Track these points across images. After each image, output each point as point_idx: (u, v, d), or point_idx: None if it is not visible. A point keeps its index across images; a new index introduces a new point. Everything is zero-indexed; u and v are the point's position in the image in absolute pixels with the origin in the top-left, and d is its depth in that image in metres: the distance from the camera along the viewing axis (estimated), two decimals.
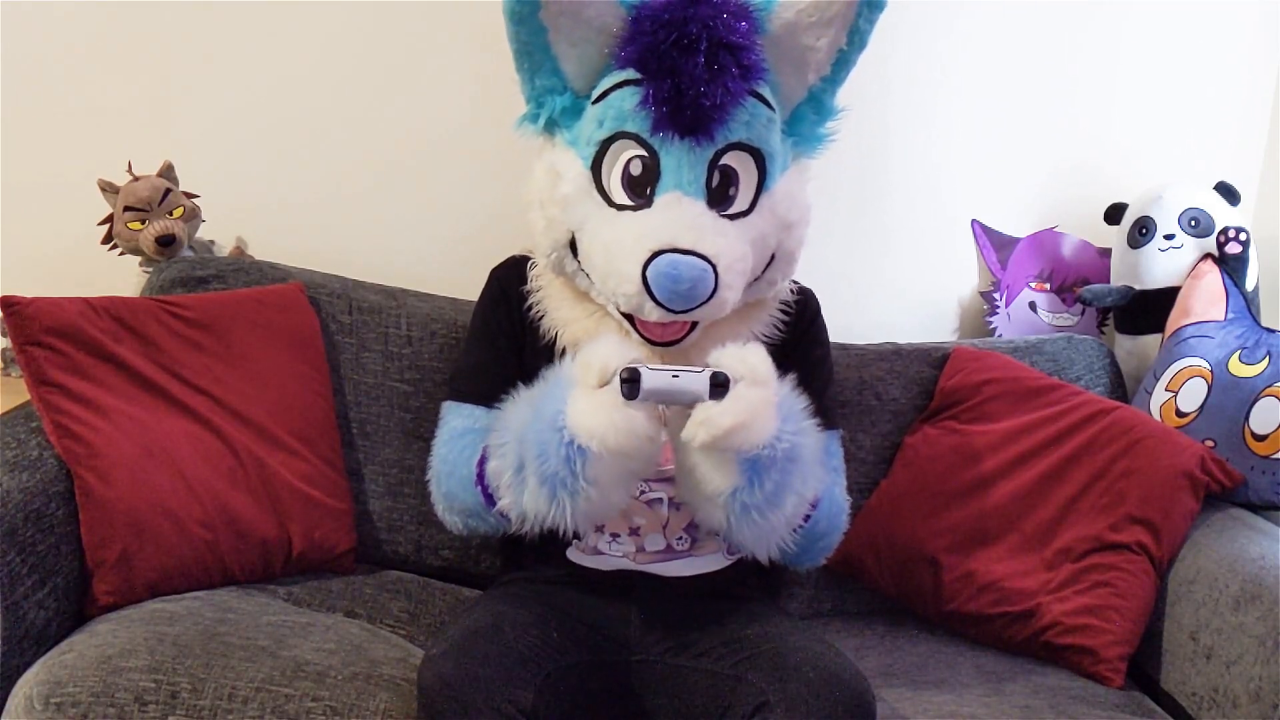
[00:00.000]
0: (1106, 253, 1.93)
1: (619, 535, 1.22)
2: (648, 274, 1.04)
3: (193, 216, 1.66)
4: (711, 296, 1.05)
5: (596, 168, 1.12)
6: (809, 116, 1.17)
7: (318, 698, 1.10)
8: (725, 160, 1.10)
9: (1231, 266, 1.73)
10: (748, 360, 1.00)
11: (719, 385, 0.98)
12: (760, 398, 0.98)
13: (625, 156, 1.10)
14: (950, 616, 1.50)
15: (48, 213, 1.78)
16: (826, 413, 1.23)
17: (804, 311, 1.30)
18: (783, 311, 1.26)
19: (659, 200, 1.09)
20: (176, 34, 1.78)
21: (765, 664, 1.05)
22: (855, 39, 1.11)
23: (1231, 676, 1.27)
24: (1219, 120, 1.95)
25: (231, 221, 1.80)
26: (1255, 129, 1.95)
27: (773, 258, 1.17)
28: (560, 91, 1.14)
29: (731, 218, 1.12)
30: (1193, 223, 1.78)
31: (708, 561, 1.24)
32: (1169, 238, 1.78)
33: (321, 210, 1.85)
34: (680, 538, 1.22)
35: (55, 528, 1.23)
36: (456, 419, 1.26)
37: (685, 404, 0.99)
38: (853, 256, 1.92)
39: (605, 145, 1.11)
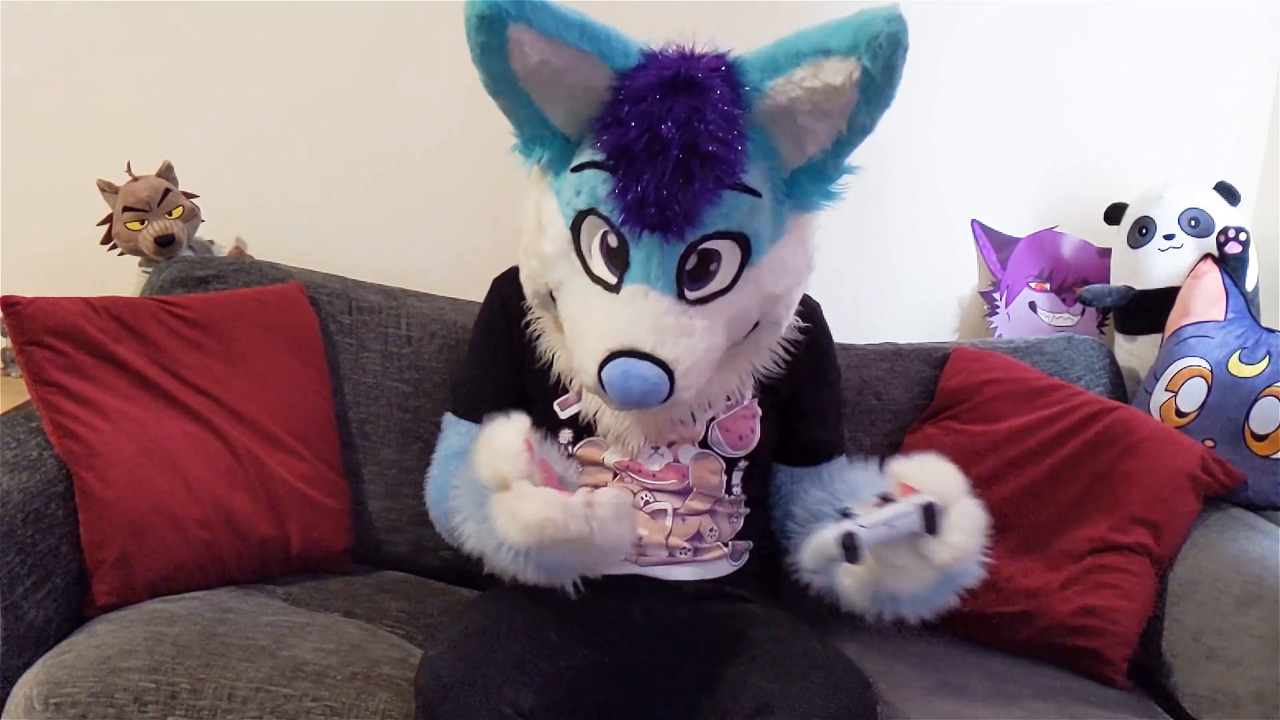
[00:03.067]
0: (1106, 253, 1.93)
1: None
2: (602, 375, 1.01)
3: (192, 216, 1.66)
4: (667, 399, 1.03)
5: (576, 231, 1.08)
6: (810, 183, 1.09)
7: (317, 698, 1.10)
8: (705, 246, 1.05)
9: (1231, 266, 1.72)
10: (944, 478, 1.03)
11: (930, 515, 1.02)
12: (978, 514, 1.02)
13: (601, 231, 1.07)
14: (951, 617, 1.48)
15: (48, 213, 1.78)
16: (842, 435, 1.28)
17: (813, 342, 1.26)
18: (787, 346, 1.23)
19: (626, 290, 1.04)
20: (176, 34, 1.78)
21: (768, 666, 1.05)
22: (856, 128, 1.01)
23: (1234, 677, 1.27)
24: (1219, 120, 1.94)
25: (231, 221, 1.80)
26: (1255, 129, 1.95)
27: (758, 322, 1.13)
28: (549, 139, 1.09)
29: (708, 299, 1.06)
30: (1193, 223, 1.78)
31: (712, 568, 1.23)
32: (1169, 238, 1.78)
33: (321, 210, 1.85)
34: (684, 548, 1.21)
35: (55, 528, 1.23)
36: (453, 436, 1.26)
37: (903, 542, 1.02)
38: (853, 256, 1.92)
39: (581, 216, 1.07)
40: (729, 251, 1.06)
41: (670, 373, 1.01)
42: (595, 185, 1.04)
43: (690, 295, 1.05)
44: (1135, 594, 1.41)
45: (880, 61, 0.92)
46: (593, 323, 1.05)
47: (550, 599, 1.16)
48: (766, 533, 1.30)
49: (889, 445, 1.63)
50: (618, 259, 1.05)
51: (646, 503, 1.20)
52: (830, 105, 0.98)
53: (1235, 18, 1.90)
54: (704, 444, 1.22)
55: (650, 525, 1.19)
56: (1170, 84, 1.93)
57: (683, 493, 1.21)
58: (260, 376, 1.45)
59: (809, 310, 1.27)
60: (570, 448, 1.22)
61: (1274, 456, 1.51)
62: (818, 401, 1.29)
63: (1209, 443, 1.56)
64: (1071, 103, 1.93)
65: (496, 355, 1.27)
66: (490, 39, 0.96)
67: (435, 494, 1.23)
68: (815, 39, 0.96)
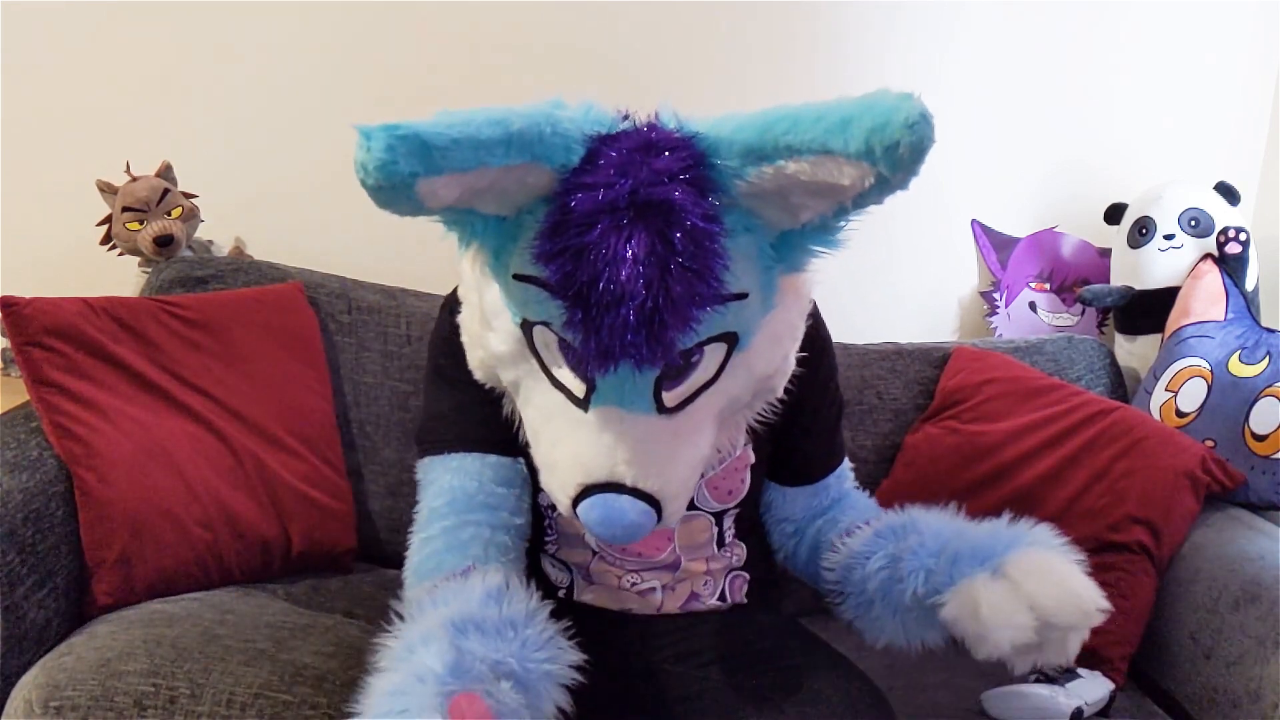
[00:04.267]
0: (1106, 253, 1.93)
1: (609, 608, 1.13)
2: (578, 512, 0.87)
3: (191, 216, 1.66)
4: (656, 525, 0.89)
5: (529, 330, 0.90)
6: (806, 243, 0.91)
7: (316, 704, 1.10)
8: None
9: (1231, 266, 1.73)
10: (1085, 611, 0.95)
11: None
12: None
13: (558, 338, 0.88)
14: None
15: (47, 213, 1.78)
16: (841, 442, 1.20)
17: (810, 364, 1.08)
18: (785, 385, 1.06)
19: (594, 412, 0.87)
20: (175, 34, 1.78)
21: (782, 682, 1.02)
22: (863, 205, 0.84)
23: (1231, 677, 1.27)
24: (1219, 120, 1.95)
25: (230, 221, 1.80)
26: (1255, 129, 1.95)
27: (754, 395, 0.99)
28: (479, 226, 0.88)
29: (690, 399, 0.90)
30: (1193, 223, 1.78)
31: (711, 607, 1.16)
32: (1169, 238, 1.78)
33: (321, 210, 1.84)
34: (677, 611, 1.14)
35: (55, 528, 1.22)
36: (442, 475, 1.06)
37: None
38: (853, 256, 1.88)
39: (531, 324, 0.89)
40: (714, 349, 0.89)
41: (657, 504, 0.87)
42: (546, 303, 0.85)
43: (669, 400, 0.88)
44: (1134, 593, 1.41)
45: (901, 170, 0.77)
46: (561, 448, 0.89)
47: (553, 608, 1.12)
48: (764, 555, 1.22)
49: (889, 445, 1.63)
50: (586, 371, 0.87)
51: (634, 584, 1.11)
52: (832, 194, 0.82)
53: (1235, 18, 1.90)
54: (690, 505, 1.08)
55: (639, 602, 1.12)
56: (1170, 84, 1.93)
57: (672, 566, 1.11)
58: (260, 376, 1.45)
59: (807, 330, 1.06)
60: (551, 512, 1.10)
61: (1274, 456, 1.51)
62: (815, 419, 1.15)
63: (1209, 443, 1.56)
64: (1072, 103, 1.93)
65: (455, 384, 1.06)
66: (395, 199, 0.79)
67: (416, 562, 1.03)
68: (813, 134, 0.77)
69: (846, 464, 1.22)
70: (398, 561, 1.52)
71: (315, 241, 1.82)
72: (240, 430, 1.39)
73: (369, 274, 1.68)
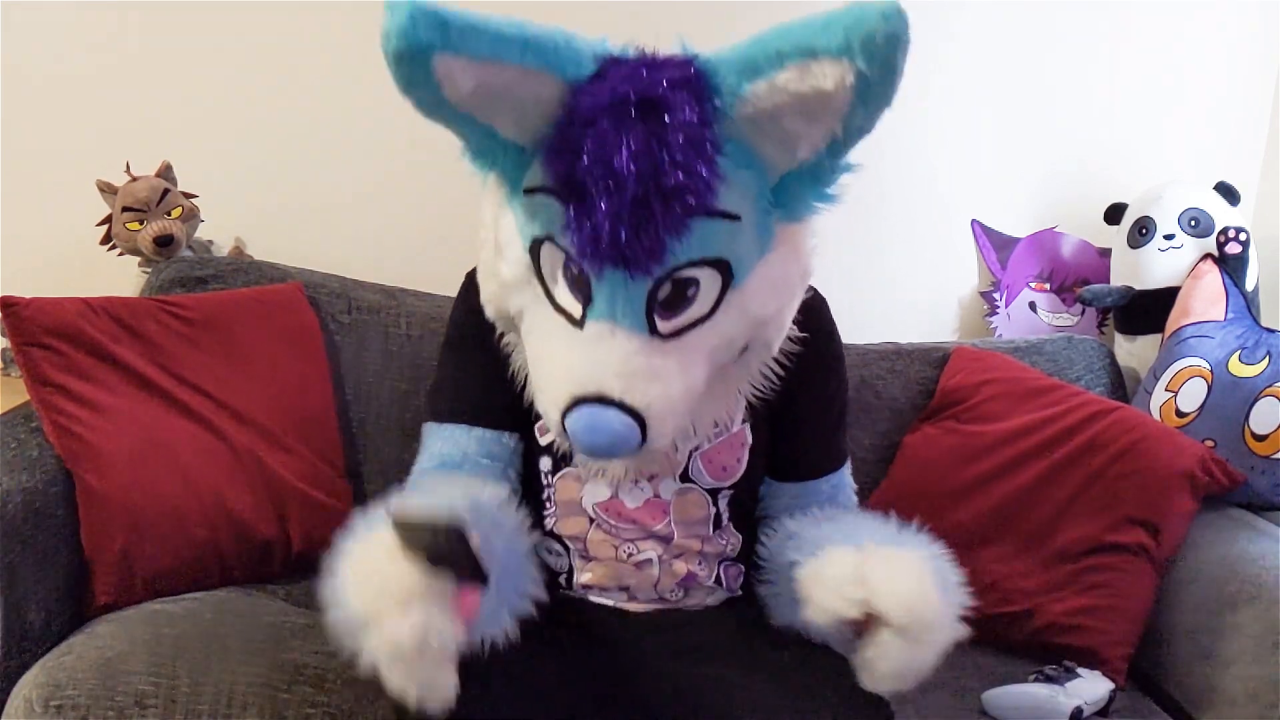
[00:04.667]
0: (1106, 253, 1.93)
1: (608, 589, 1.14)
2: (566, 424, 0.91)
3: (191, 216, 1.66)
4: (640, 447, 0.92)
5: (536, 255, 0.96)
6: (802, 188, 0.95)
7: (316, 703, 1.10)
8: (679, 275, 0.92)
9: (1231, 266, 1.73)
10: (910, 611, 0.91)
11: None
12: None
13: (562, 258, 0.94)
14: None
15: (48, 213, 1.78)
16: (844, 446, 1.18)
17: (812, 350, 1.10)
18: (781, 360, 1.08)
19: (590, 327, 0.92)
20: (176, 35, 1.78)
21: (776, 681, 1.02)
22: (852, 130, 0.88)
23: (1230, 676, 1.27)
24: (1219, 120, 1.95)
25: (230, 221, 1.80)
26: (1255, 129, 1.95)
27: (746, 346, 1.01)
28: (500, 153, 0.94)
29: (684, 330, 0.94)
30: (1193, 223, 1.78)
31: (707, 600, 1.17)
32: (1169, 238, 1.78)
33: (320, 210, 1.85)
34: (673, 590, 1.14)
35: (55, 528, 1.23)
36: (437, 442, 1.13)
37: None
38: (853, 256, 1.92)
39: (539, 242, 0.95)
40: (708, 278, 0.93)
41: (642, 420, 0.90)
42: (549, 212, 0.92)
43: (664, 328, 0.92)
44: (1133, 594, 1.41)
45: (877, 63, 0.80)
46: (555, 363, 0.94)
47: (546, 606, 1.14)
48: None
49: (888, 444, 1.63)
50: (583, 287, 0.93)
51: (630, 555, 1.11)
52: (821, 109, 0.86)
53: (1235, 18, 1.90)
54: (685, 477, 1.11)
55: (637, 575, 1.12)
56: (1170, 84, 1.93)
57: (667, 538, 1.11)
58: (260, 376, 1.45)
59: (810, 314, 1.11)
60: (550, 477, 1.12)
61: (1274, 456, 1.51)
62: (810, 413, 1.15)
63: (1209, 443, 1.56)
64: (1072, 103, 1.93)
65: (476, 354, 1.12)
66: (414, 73, 0.83)
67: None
68: (799, 38, 0.83)
69: (847, 479, 1.19)
70: None
71: (315, 241, 1.82)
72: (240, 430, 1.39)
73: (369, 274, 1.68)
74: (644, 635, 1.12)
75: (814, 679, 1.02)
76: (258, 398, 1.43)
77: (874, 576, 0.92)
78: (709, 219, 0.90)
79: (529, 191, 0.93)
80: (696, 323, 0.94)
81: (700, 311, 0.94)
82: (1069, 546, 1.46)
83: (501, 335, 1.10)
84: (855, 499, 1.19)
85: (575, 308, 0.94)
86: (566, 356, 0.93)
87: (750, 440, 1.13)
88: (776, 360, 1.07)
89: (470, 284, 1.14)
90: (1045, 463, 1.51)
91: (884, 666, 0.93)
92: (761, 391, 1.08)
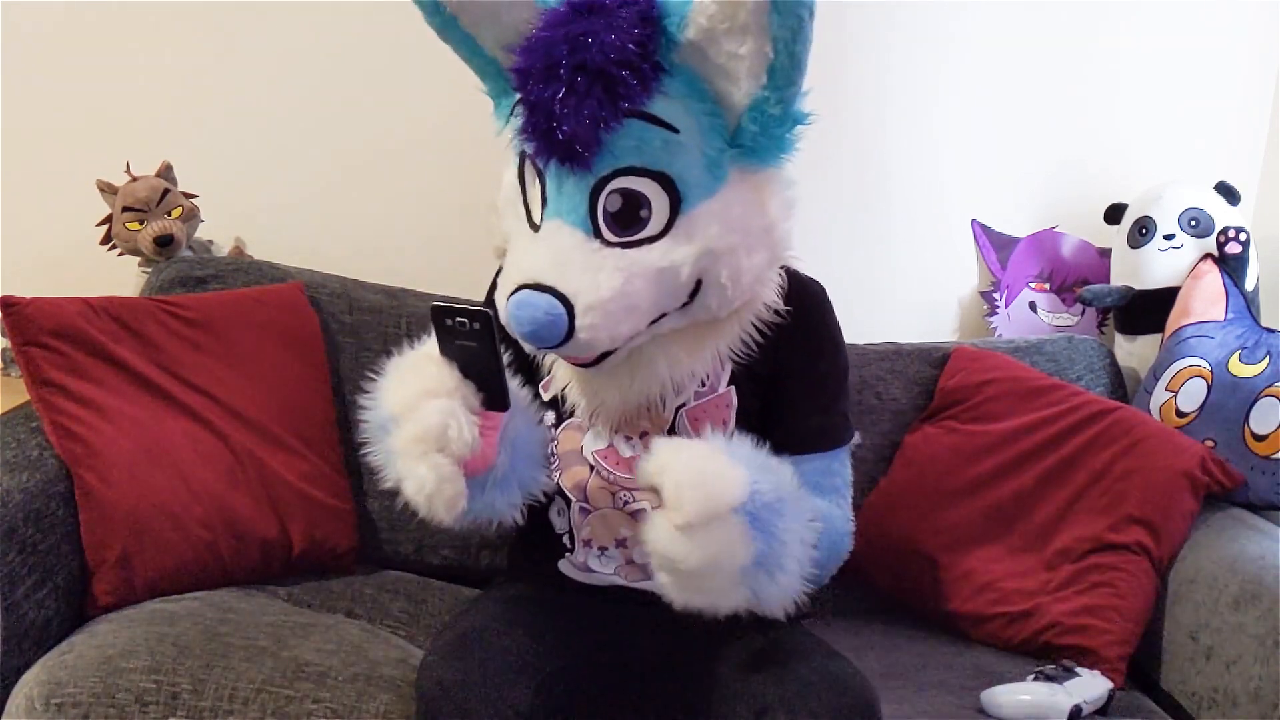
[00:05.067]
0: (1106, 253, 1.93)
1: (606, 548, 1.18)
2: (507, 306, 0.99)
3: (191, 216, 1.66)
4: (568, 338, 0.97)
5: (522, 179, 1.06)
6: (755, 127, 1.00)
7: (318, 699, 1.10)
8: (623, 184, 0.99)
9: (1231, 266, 1.73)
10: (644, 471, 0.93)
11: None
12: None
13: (534, 173, 1.04)
14: (949, 616, 1.50)
15: (48, 213, 1.78)
16: (831, 430, 1.17)
17: (800, 326, 1.14)
18: (762, 329, 1.12)
19: (544, 226, 1.02)
20: (175, 35, 1.78)
21: (766, 667, 1.04)
22: (780, 48, 0.93)
23: (1231, 676, 1.27)
24: (1219, 120, 1.95)
25: (230, 221, 1.80)
26: (1255, 129, 1.95)
27: (700, 283, 1.04)
28: (492, 74, 1.09)
29: (634, 244, 1.00)
30: (1193, 223, 1.78)
31: None
32: (1169, 238, 1.78)
33: (321, 210, 1.85)
34: None
35: (55, 528, 1.23)
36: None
37: None
38: (853, 256, 1.92)
39: (521, 161, 1.05)
40: (657, 197, 0.99)
41: (570, 308, 0.96)
42: (517, 124, 1.01)
43: (610, 238, 1.00)
44: (1133, 594, 1.41)
45: None
46: (511, 262, 1.04)
47: (546, 602, 1.16)
48: None
49: (888, 444, 1.63)
50: (543, 191, 1.03)
51: (626, 503, 1.16)
52: (744, 17, 0.92)
53: (1235, 18, 1.91)
54: (673, 433, 1.14)
55: (631, 525, 1.15)
56: (1170, 84, 1.93)
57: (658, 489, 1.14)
58: (260, 376, 1.45)
59: (803, 294, 1.15)
60: (553, 430, 1.18)
61: (1274, 456, 1.51)
62: (798, 390, 1.16)
63: (1209, 443, 1.56)
64: (1072, 103, 1.93)
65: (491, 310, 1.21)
66: None
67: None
68: None
69: (838, 466, 1.18)
70: (398, 562, 1.54)
71: (315, 241, 1.82)
72: (240, 430, 1.39)
73: (369, 274, 1.68)
74: (638, 622, 1.14)
75: (801, 663, 1.04)
76: (258, 398, 1.43)
77: (662, 453, 0.94)
78: (645, 124, 0.97)
79: (514, 111, 1.03)
80: (642, 241, 1.00)
81: (653, 230, 1.00)
82: (1069, 546, 1.46)
83: None
84: (845, 488, 1.18)
85: (538, 211, 1.03)
86: (520, 254, 1.03)
87: (735, 403, 1.15)
88: (758, 328, 1.11)
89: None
90: (1045, 463, 1.51)
91: (650, 541, 0.92)
92: (740, 357, 1.12)
